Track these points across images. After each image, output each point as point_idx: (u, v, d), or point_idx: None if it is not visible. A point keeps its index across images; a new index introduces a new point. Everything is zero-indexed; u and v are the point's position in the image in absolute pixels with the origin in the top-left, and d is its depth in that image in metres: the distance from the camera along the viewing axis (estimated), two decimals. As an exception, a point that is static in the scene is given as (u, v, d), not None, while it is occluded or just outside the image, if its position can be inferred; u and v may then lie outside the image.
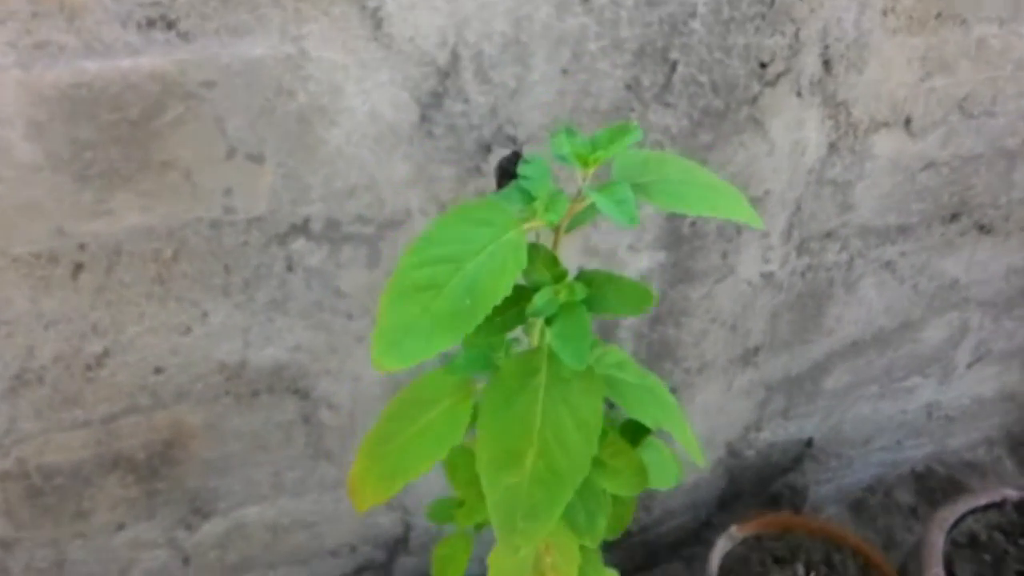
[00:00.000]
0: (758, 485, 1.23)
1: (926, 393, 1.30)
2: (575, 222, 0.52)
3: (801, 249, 1.01)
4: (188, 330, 0.72)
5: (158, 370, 0.73)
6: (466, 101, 0.73)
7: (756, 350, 1.06)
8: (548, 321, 0.48)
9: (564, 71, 0.76)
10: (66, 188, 0.62)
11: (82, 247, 0.65)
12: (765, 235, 0.97)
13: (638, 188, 0.49)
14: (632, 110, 0.81)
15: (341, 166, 0.71)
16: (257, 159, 0.67)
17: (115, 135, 0.62)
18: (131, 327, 0.70)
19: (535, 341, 0.53)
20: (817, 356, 1.13)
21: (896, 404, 1.28)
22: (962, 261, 1.18)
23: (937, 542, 1.04)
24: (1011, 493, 1.09)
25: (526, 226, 0.47)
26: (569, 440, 0.46)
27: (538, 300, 0.48)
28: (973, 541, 1.03)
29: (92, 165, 0.62)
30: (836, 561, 1.05)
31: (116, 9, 0.58)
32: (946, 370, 1.29)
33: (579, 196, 0.49)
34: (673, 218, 0.89)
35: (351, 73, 0.68)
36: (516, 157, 0.52)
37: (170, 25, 0.60)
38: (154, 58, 0.60)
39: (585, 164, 0.49)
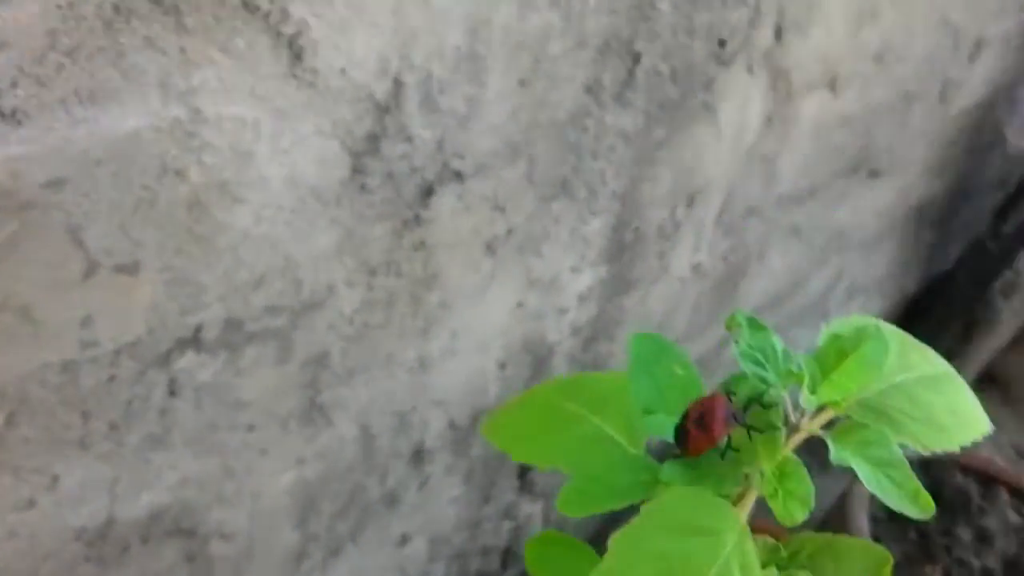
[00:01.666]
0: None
1: (803, 343, 1.32)
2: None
3: (727, 231, 0.94)
4: (31, 503, 0.52)
5: (-11, 565, 0.53)
6: (408, 140, 0.56)
7: (675, 342, 1.00)
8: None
9: (522, 82, 0.61)
10: None
11: None
12: (700, 226, 0.89)
13: (871, 411, 0.38)
14: (589, 115, 0.67)
15: (246, 253, 0.52)
16: (130, 270, 0.47)
17: (-96, 284, 0.40)
18: (-55, 527, 0.49)
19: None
20: (723, 333, 1.09)
21: (779, 356, 1.29)
22: (848, 208, 1.17)
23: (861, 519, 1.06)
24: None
25: (740, 511, 0.35)
26: None
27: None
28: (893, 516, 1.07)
29: None
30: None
31: None
32: (822, 314, 1.32)
33: (794, 429, 0.37)
34: (619, 228, 0.78)
35: (263, 129, 0.48)
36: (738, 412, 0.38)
37: (-15, 101, 0.38)
38: (-36, 159, 0.39)
39: (836, 405, 0.37)
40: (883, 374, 0.41)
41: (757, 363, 0.38)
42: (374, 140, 0.54)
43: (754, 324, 0.39)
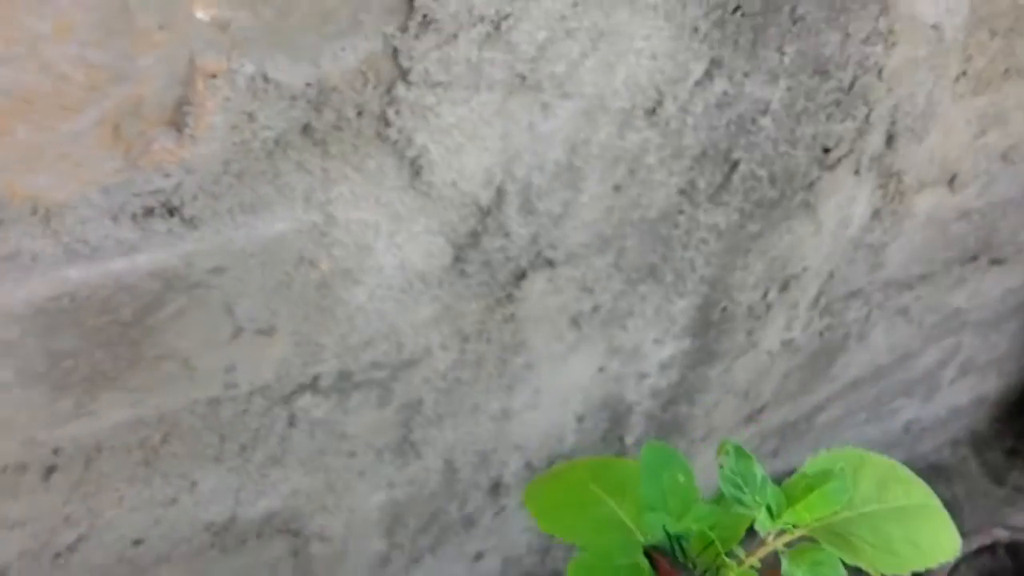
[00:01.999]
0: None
1: (909, 412, 1.36)
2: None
3: (824, 312, 1.00)
4: (174, 501, 0.67)
5: (137, 542, 0.68)
6: (506, 235, 0.67)
7: (762, 409, 1.07)
8: None
9: (616, 187, 0.70)
10: (40, 400, 0.54)
11: (56, 451, 0.58)
12: (793, 307, 0.96)
13: (835, 536, 0.46)
14: (682, 212, 0.76)
15: (360, 322, 0.64)
16: (267, 332, 0.60)
17: (102, 339, 0.54)
18: (109, 511, 0.64)
19: None
20: (817, 401, 1.15)
21: (880, 426, 1.33)
22: (967, 292, 1.20)
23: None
24: (1001, 534, 1.17)
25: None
26: None
27: None
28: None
29: (73, 373, 0.54)
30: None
31: (105, 204, 0.49)
32: (931, 388, 1.35)
33: (761, 544, 0.47)
34: (706, 307, 0.87)
35: (382, 229, 0.60)
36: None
37: (172, 212, 0.52)
38: (154, 254, 0.52)
39: (790, 530, 0.46)
40: (853, 503, 0.49)
41: (737, 487, 0.47)
42: (475, 236, 0.65)
43: (741, 453, 0.48)
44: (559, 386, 0.82)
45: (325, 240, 0.58)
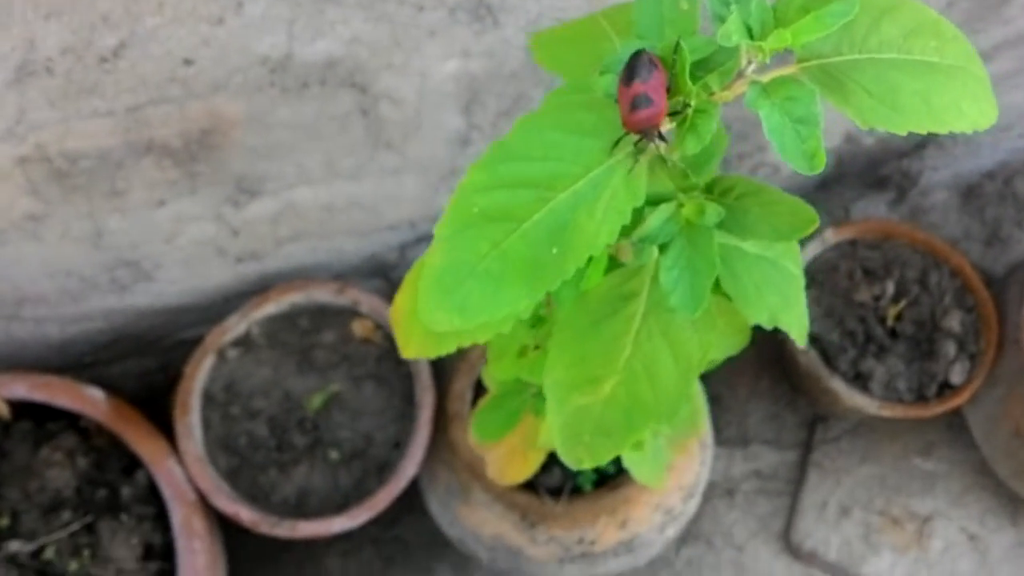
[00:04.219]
0: (867, 168, 1.12)
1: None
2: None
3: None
4: (220, 20, 0.59)
5: (187, 62, 0.62)
6: None
7: None
8: (661, 248, 0.37)
9: None
10: None
11: (71, -73, 0.50)
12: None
13: (828, 78, 0.34)
14: None
15: None
16: None
17: None
18: (149, 18, 0.57)
19: (633, 257, 0.41)
20: (983, 46, 0.95)
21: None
22: None
23: None
24: None
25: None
26: (662, 374, 0.38)
27: (653, 221, 0.37)
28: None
29: None
30: (931, 283, 0.99)
31: None
32: None
33: (737, 78, 0.35)
34: None
35: None
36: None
37: None
38: None
39: (760, 52, 0.34)
40: (866, 46, 0.36)
41: (724, 4, 0.35)
42: None
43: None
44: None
45: None
